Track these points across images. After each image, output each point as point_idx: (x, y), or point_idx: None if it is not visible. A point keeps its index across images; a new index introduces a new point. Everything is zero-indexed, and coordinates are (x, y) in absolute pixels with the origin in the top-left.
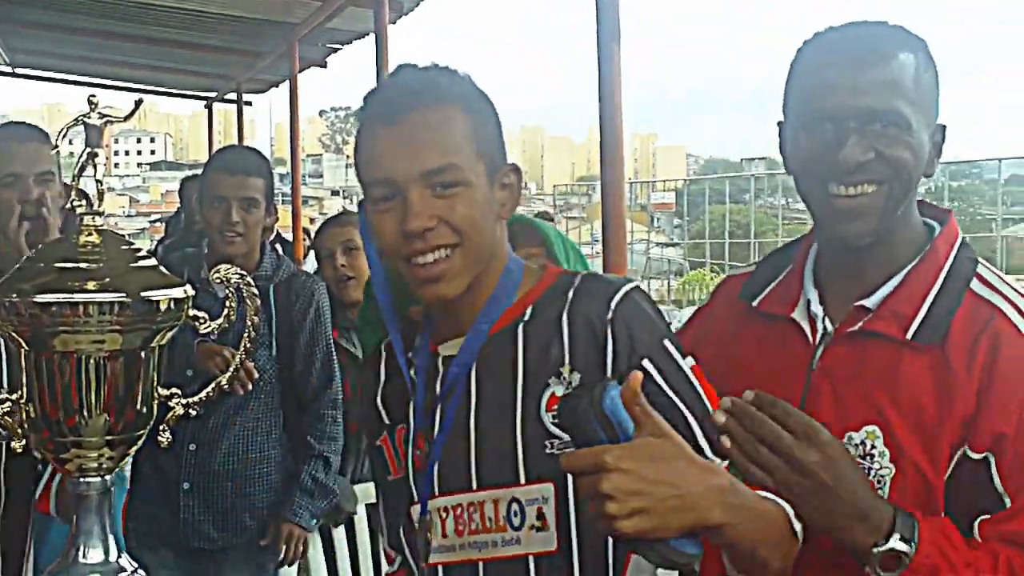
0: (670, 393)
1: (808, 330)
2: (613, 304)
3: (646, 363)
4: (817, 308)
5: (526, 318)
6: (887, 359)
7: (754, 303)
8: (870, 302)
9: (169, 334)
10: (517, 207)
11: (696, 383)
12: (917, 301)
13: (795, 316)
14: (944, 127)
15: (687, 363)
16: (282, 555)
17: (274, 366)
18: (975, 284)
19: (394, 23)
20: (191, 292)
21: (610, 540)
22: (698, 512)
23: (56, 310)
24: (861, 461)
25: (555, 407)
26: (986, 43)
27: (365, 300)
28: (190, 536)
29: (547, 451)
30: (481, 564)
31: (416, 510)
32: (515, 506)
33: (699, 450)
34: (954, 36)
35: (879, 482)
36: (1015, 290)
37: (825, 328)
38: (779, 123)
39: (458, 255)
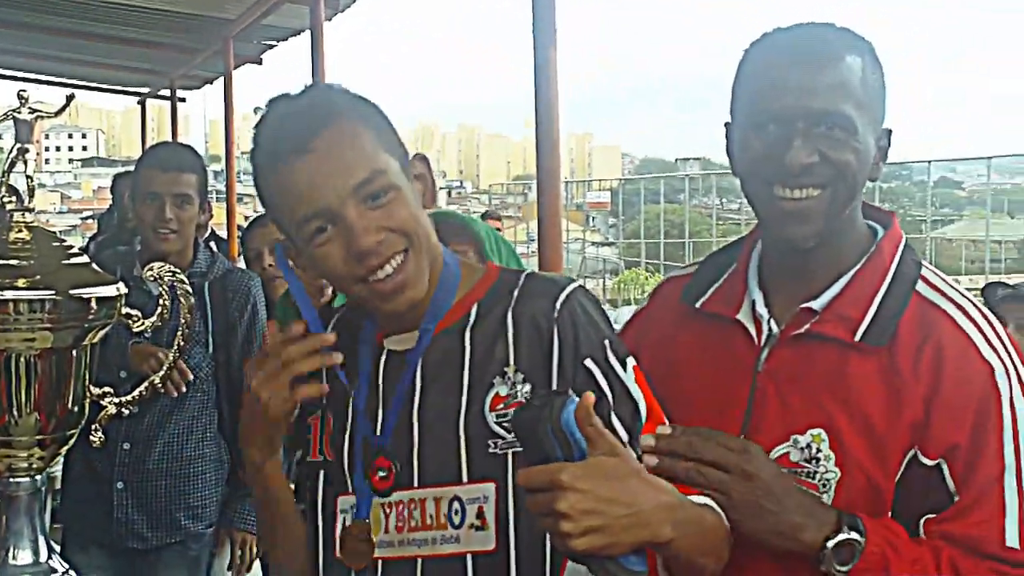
0: (609, 395)
1: (753, 331)
2: (559, 304)
3: (589, 363)
4: (762, 309)
5: (472, 317)
6: (834, 362)
7: (697, 304)
8: (816, 304)
9: (101, 332)
10: (436, 195)
11: (633, 388)
12: (864, 303)
13: (740, 317)
14: (890, 131)
15: (630, 363)
16: (238, 563)
17: (210, 364)
18: (921, 286)
19: (330, 20)
20: (124, 290)
21: (548, 541)
22: (651, 529)
23: None
24: (806, 464)
25: (499, 407)
26: (967, 29)
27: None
28: (124, 536)
29: (490, 451)
30: (419, 561)
31: (345, 501)
32: (456, 504)
33: None
34: (935, 21)
35: (824, 485)
36: (960, 292)
37: (771, 330)
38: (726, 124)
39: (411, 257)
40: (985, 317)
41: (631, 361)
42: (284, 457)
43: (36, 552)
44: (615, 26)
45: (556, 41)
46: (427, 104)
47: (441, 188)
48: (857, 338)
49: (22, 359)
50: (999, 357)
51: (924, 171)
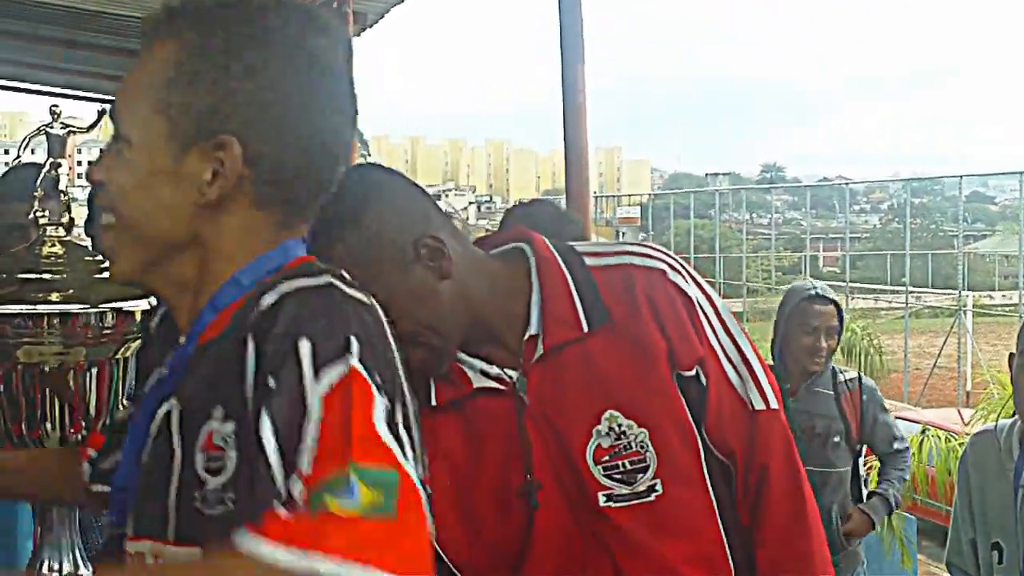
0: None
1: (500, 386)
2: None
3: None
4: (492, 370)
5: (226, 330)
6: (582, 356)
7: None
8: (533, 329)
9: (134, 345)
10: (223, 190)
11: None
12: (568, 302)
13: (478, 386)
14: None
15: None
16: None
17: None
18: (590, 261)
19: (358, 36)
20: (154, 303)
21: None
22: None
23: (19, 321)
24: (616, 443)
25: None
26: (1005, 43)
27: None
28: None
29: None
30: None
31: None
32: None
33: None
34: (971, 34)
35: (642, 447)
36: (616, 249)
37: (511, 377)
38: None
39: (112, 231)
40: (649, 249)
41: None
42: None
43: (74, 563)
44: (645, 40)
45: (584, 56)
46: (455, 118)
47: (471, 203)
48: (586, 328)
49: (55, 372)
50: (680, 274)
51: (955, 186)
